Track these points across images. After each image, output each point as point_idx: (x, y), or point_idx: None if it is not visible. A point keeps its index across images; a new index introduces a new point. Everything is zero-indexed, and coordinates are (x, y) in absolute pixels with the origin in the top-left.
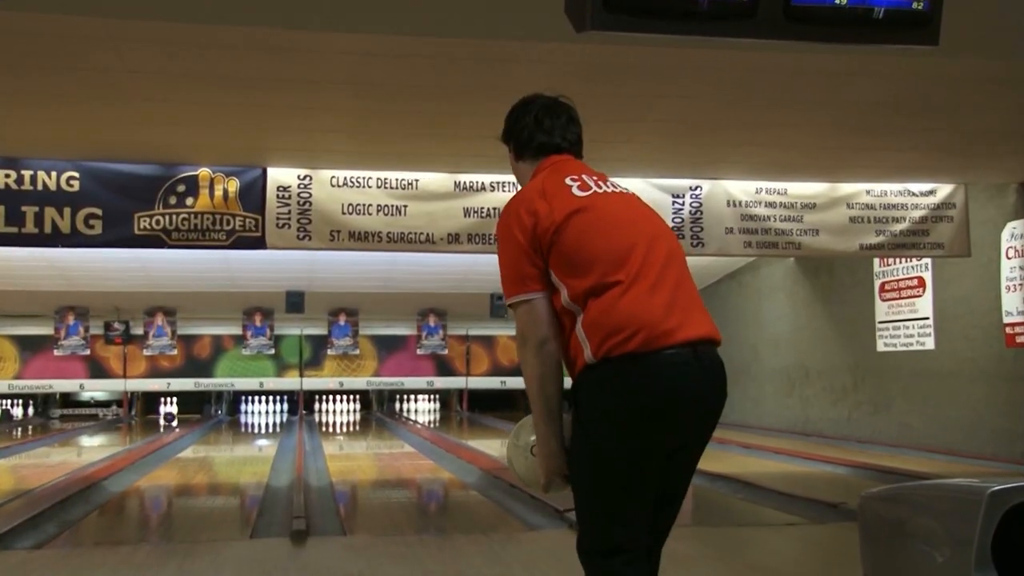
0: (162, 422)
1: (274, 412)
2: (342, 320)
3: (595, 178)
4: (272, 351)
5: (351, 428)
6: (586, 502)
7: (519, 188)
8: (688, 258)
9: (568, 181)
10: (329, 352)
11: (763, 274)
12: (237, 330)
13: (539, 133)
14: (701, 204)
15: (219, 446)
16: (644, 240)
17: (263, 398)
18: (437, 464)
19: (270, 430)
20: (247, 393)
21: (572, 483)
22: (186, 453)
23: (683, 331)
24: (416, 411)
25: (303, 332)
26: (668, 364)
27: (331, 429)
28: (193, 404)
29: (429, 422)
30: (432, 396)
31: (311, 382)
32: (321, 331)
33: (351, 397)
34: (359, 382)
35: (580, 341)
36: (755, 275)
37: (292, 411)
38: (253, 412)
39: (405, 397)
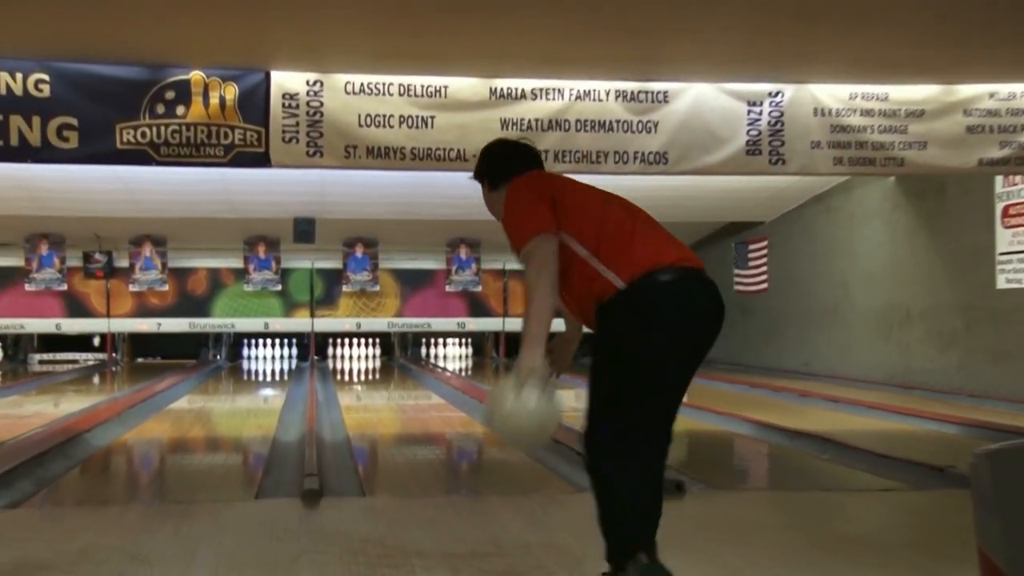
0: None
1: (281, 357)
2: (359, 251)
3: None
4: (278, 287)
5: (370, 376)
6: (623, 403)
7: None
8: (766, 178)
9: (565, 177)
10: (344, 289)
11: (856, 197)
12: (238, 263)
13: (510, 167)
14: (782, 113)
15: (218, 396)
16: (627, 204)
17: (268, 341)
18: (470, 417)
19: (277, 378)
20: (250, 335)
21: (608, 391)
22: (180, 403)
23: (689, 260)
24: (445, 357)
25: (314, 265)
26: (692, 278)
27: (347, 377)
28: (188, 348)
29: (460, 369)
30: (463, 339)
31: (324, 323)
32: (335, 264)
33: (370, 341)
34: (379, 323)
35: (602, 274)
36: (847, 198)
37: (302, 356)
38: (257, 357)
39: (432, 341)
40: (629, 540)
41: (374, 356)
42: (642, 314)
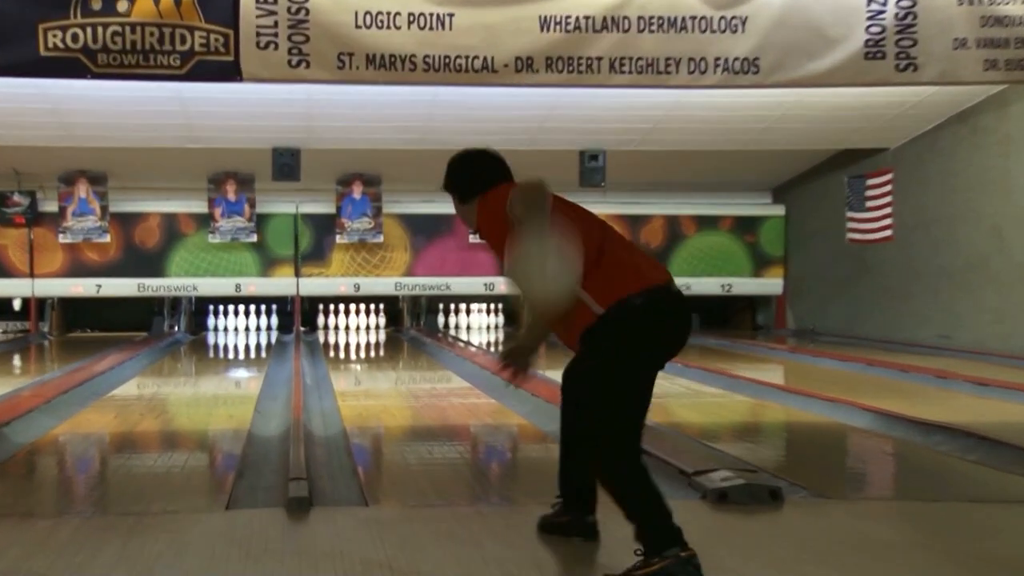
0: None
1: (258, 329)
2: (357, 191)
3: None
4: (253, 238)
5: (373, 352)
6: (618, 413)
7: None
8: (891, 91)
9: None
10: (339, 240)
11: (1014, 114)
12: (200, 207)
13: (477, 182)
14: (914, 4)
15: (176, 378)
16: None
17: (241, 308)
18: (501, 404)
19: (252, 355)
20: (217, 301)
21: (604, 395)
22: (127, 388)
23: (656, 279)
24: (469, 327)
25: (299, 210)
26: (661, 297)
27: (343, 354)
28: (136, 317)
29: (489, 343)
30: (492, 305)
31: (312, 284)
32: (326, 208)
33: (372, 307)
34: (384, 284)
35: (582, 299)
36: (1000, 116)
37: (285, 327)
38: (226, 329)
39: (453, 307)
40: (664, 532)
41: (377, 327)
42: (621, 337)
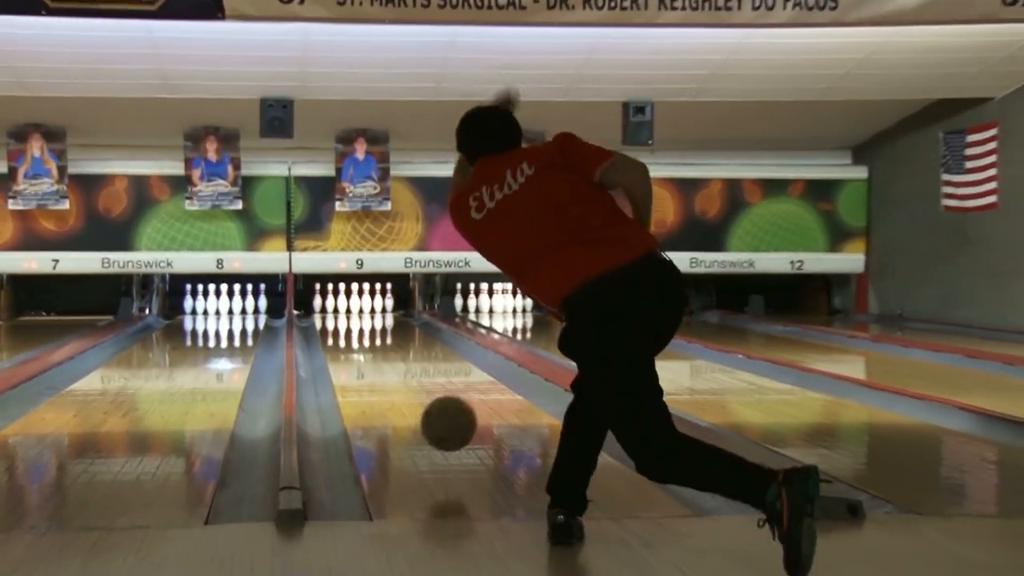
0: None
1: (243, 313)
2: (360, 151)
3: (497, 183)
4: (238, 205)
5: (379, 340)
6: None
7: None
8: (996, 30)
9: (471, 201)
10: (339, 208)
11: None
12: (176, 168)
13: (470, 145)
14: None
15: (147, 370)
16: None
17: (223, 288)
18: (531, 402)
19: (236, 343)
20: (195, 279)
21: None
22: (89, 382)
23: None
24: (492, 311)
25: (292, 172)
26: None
27: (343, 342)
28: (100, 298)
29: (515, 330)
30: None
31: (308, 260)
32: (324, 170)
33: (378, 287)
34: (392, 260)
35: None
36: None
37: (275, 311)
38: (206, 312)
39: (473, 287)
40: (756, 481)
41: (384, 311)
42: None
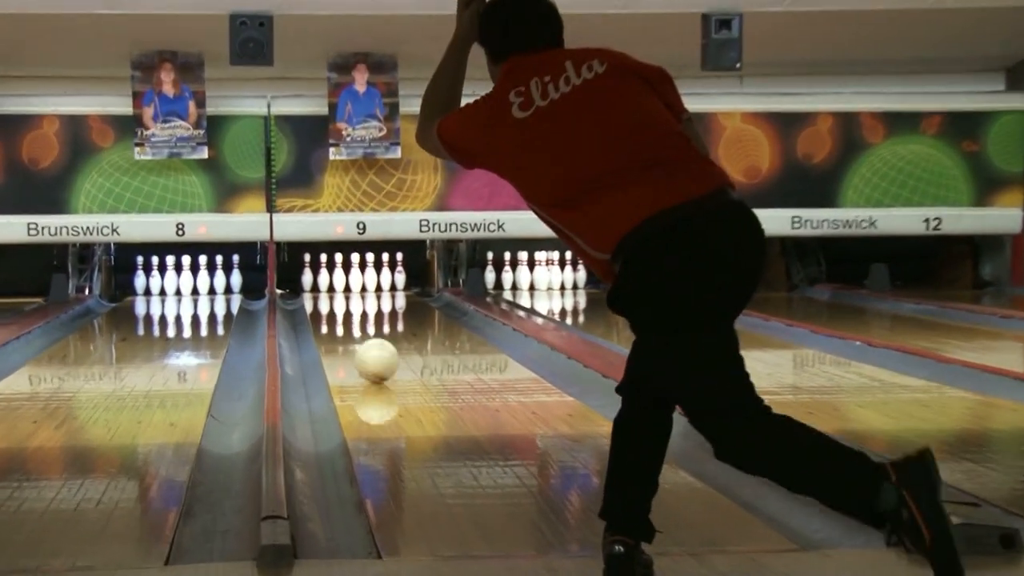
0: None
1: (211, 293)
2: (361, 81)
3: (551, 76)
4: (204, 153)
5: (387, 326)
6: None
7: None
8: None
9: (512, 96)
10: (334, 156)
11: None
12: (122, 106)
13: (505, 40)
14: None
15: (88, 368)
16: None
17: (184, 261)
18: (584, 403)
19: (203, 332)
20: (148, 250)
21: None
22: (14, 382)
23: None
24: (534, 287)
25: (272, 110)
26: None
27: (341, 329)
28: (27, 275)
29: (565, 311)
30: (570, 254)
31: (294, 223)
32: (314, 108)
33: (386, 258)
34: (403, 223)
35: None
36: None
37: (253, 290)
38: (163, 293)
39: (509, 257)
40: (866, 482)
41: (394, 288)
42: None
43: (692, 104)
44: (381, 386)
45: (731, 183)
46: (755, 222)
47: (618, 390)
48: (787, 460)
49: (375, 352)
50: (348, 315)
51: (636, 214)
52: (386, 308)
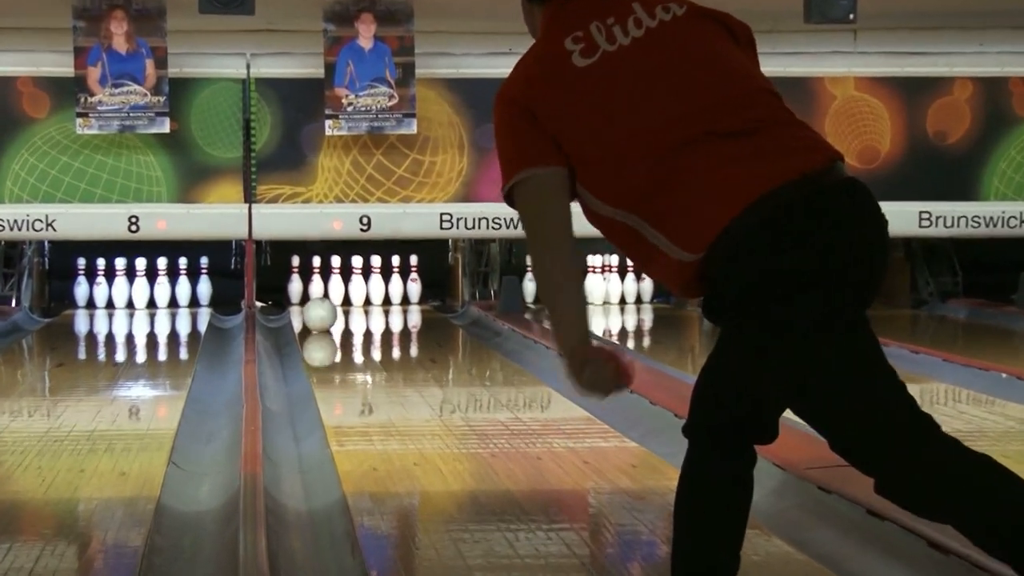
0: None
1: (172, 306)
2: (367, 35)
3: (615, 18)
4: (164, 127)
5: (398, 350)
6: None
7: None
8: None
9: (568, 43)
10: (331, 131)
11: None
12: (60, 66)
13: None
14: None
15: (15, 400)
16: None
17: (139, 264)
18: (649, 450)
19: (162, 355)
20: (93, 250)
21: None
22: None
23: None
24: (592, 300)
25: (252, 72)
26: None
27: (339, 353)
28: None
29: (626, 331)
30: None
31: (280, 217)
32: (306, 69)
33: (397, 262)
34: (419, 218)
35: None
36: None
37: (225, 300)
38: (111, 305)
39: None
40: None
41: (407, 301)
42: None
43: (793, 66)
44: (390, 426)
45: (841, 156)
46: (878, 209)
47: (685, 431)
48: (963, 502)
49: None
50: (348, 335)
51: (739, 197)
52: (396, 326)
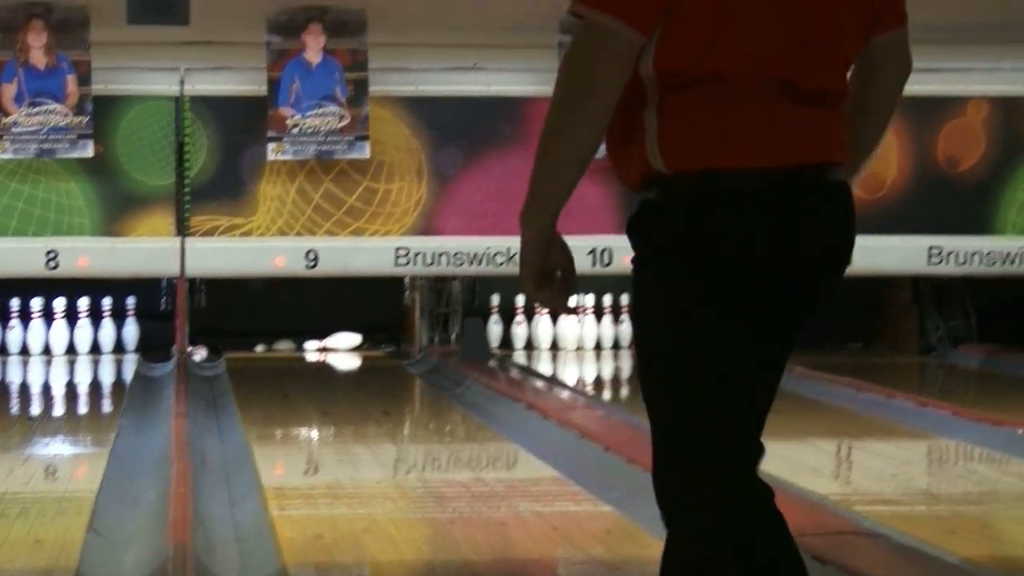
0: None
1: (94, 352)
2: (315, 48)
3: None
4: (88, 151)
5: (349, 401)
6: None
7: None
8: None
9: None
10: (273, 155)
11: None
12: None
13: None
14: None
15: None
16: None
17: (57, 305)
18: (626, 516)
19: (82, 407)
20: (5, 290)
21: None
22: None
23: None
24: (557, 345)
25: (187, 89)
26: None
27: (281, 405)
28: None
29: (602, 381)
30: (611, 298)
31: (215, 253)
32: (247, 86)
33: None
34: (372, 253)
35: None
36: None
37: (153, 346)
38: (26, 351)
39: (523, 303)
40: None
41: (360, 347)
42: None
43: None
44: (337, 488)
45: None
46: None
47: (703, 495)
48: None
49: None
50: (289, 384)
51: (773, 149)
52: (345, 373)
